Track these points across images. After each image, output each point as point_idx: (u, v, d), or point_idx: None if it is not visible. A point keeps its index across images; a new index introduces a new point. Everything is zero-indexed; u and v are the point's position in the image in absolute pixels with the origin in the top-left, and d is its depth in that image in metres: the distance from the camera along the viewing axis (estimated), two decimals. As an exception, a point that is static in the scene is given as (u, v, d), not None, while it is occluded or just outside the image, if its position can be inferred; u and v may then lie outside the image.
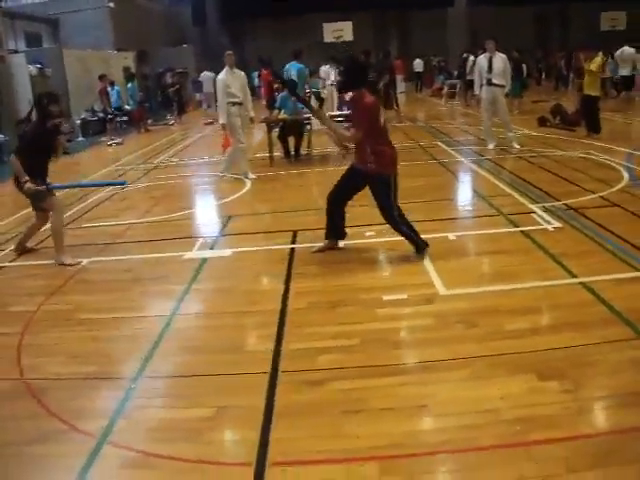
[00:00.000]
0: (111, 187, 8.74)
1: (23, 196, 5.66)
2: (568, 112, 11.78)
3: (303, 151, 10.19)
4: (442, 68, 22.57)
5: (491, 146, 9.80)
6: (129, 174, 10.30)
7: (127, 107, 16.78)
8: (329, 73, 15.45)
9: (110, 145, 14.78)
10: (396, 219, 4.83)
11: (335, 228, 5.14)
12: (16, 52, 16.01)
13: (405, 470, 2.45)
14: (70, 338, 3.92)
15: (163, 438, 2.77)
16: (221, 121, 8.66)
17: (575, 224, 5.62)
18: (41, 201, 5.62)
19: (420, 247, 4.86)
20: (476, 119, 14.68)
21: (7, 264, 5.67)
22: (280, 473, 2.46)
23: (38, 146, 5.50)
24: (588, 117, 10.47)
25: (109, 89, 16.02)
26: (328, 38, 26.89)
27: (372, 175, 4.77)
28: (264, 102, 17.44)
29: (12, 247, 6.02)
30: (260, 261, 5.24)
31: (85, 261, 5.53)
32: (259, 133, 12.99)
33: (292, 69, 12.97)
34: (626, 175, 7.46)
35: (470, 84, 17.29)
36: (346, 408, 2.91)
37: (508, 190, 7.09)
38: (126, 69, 19.45)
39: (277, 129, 10.14)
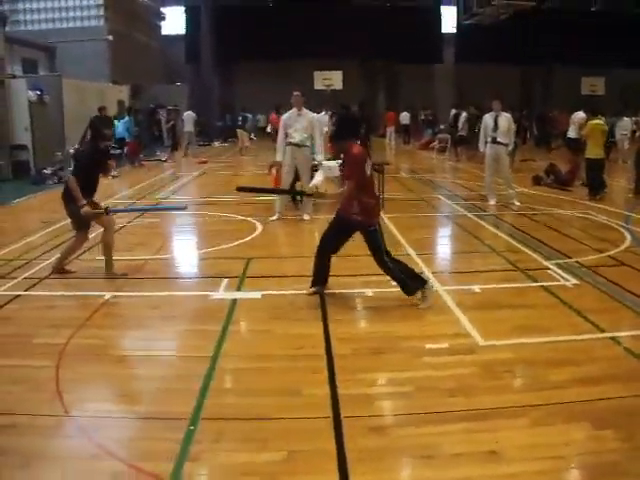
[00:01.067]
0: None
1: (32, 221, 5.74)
2: (562, 172, 12.21)
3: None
4: (430, 122, 23.22)
5: (492, 202, 10.10)
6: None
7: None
8: (324, 121, 15.68)
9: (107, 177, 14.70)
10: (387, 263, 4.94)
11: (320, 276, 5.27)
12: (14, 77, 15.97)
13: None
14: (110, 375, 3.90)
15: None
16: (277, 159, 8.81)
17: (590, 281, 5.83)
18: (94, 219, 5.98)
19: (411, 290, 4.96)
20: (469, 174, 15.17)
21: (22, 293, 5.58)
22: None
23: (92, 166, 5.90)
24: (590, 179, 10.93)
25: (115, 121, 16.12)
26: (318, 85, 27.54)
27: (358, 225, 4.93)
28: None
29: (52, 265, 6.18)
30: (292, 305, 5.25)
31: (108, 295, 5.49)
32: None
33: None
34: (628, 236, 7.75)
35: (461, 140, 18.01)
36: (418, 453, 2.98)
37: (519, 246, 7.31)
38: (120, 102, 19.58)
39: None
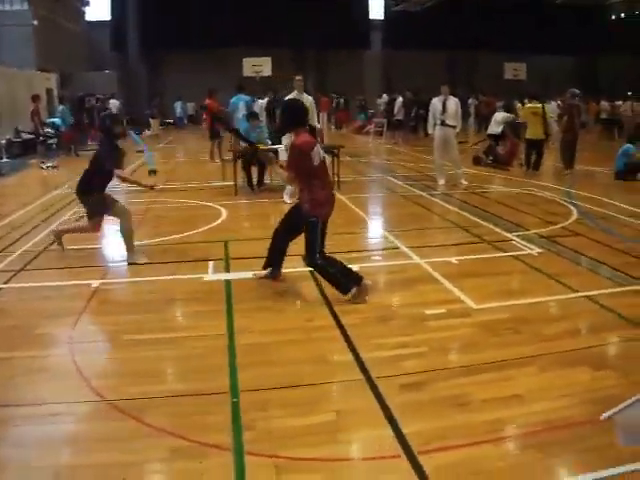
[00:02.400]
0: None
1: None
2: (500, 152, 12.91)
3: (266, 181, 10.47)
4: (363, 107, 23.67)
5: (442, 182, 10.60)
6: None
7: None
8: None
9: (44, 168, 14.24)
10: (318, 264, 4.83)
11: (272, 258, 5.24)
12: None
13: (522, 445, 2.90)
14: (132, 359, 3.92)
15: (301, 443, 2.93)
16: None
17: (553, 249, 6.35)
18: (109, 209, 6.22)
19: (345, 288, 4.76)
20: (410, 156, 15.74)
21: (3, 286, 5.47)
22: (430, 459, 2.76)
23: (109, 163, 6.06)
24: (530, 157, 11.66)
25: (61, 107, 15.63)
26: (247, 72, 27.34)
27: (305, 216, 4.79)
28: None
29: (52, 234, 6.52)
30: (286, 282, 5.43)
31: (95, 283, 5.47)
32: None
33: (239, 102, 13.37)
34: (573, 209, 8.41)
35: (398, 124, 18.58)
36: (453, 402, 3.28)
37: (479, 220, 7.80)
38: (49, 91, 18.88)
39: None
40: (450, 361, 3.83)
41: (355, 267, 5.66)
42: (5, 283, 5.52)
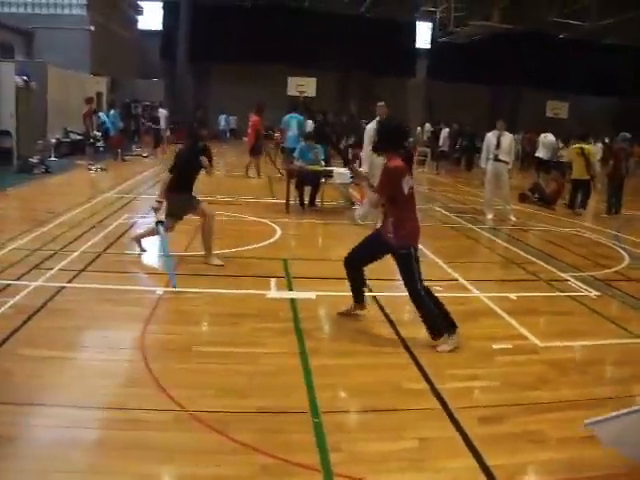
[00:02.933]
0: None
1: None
2: (546, 191, 12.93)
3: (317, 202, 10.62)
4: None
5: (490, 216, 10.64)
6: (135, 204, 10.36)
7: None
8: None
9: (92, 170, 14.57)
10: (421, 295, 4.56)
11: (356, 291, 5.05)
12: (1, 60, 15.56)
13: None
14: (206, 371, 3.94)
15: (388, 468, 3.00)
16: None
17: (609, 293, 6.36)
18: (193, 209, 6.52)
19: (437, 332, 4.52)
20: (453, 187, 15.82)
21: (66, 285, 5.59)
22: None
23: (190, 164, 6.44)
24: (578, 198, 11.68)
25: (101, 113, 15.96)
26: (291, 91, 27.79)
27: (391, 247, 4.60)
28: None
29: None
30: (349, 305, 5.50)
31: (160, 290, 5.58)
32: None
33: (292, 120, 13.63)
34: (624, 253, 8.39)
35: (442, 154, 18.68)
36: (532, 438, 3.34)
37: (532, 258, 7.83)
38: (99, 94, 19.35)
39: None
40: (523, 397, 3.86)
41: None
42: (68, 282, 5.65)
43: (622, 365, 4.57)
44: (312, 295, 5.68)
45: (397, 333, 4.84)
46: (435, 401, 3.71)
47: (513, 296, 6.06)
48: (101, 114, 16.59)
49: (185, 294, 5.62)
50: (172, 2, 28.23)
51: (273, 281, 6.10)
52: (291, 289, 5.89)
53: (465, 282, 6.46)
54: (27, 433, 3.12)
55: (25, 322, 4.53)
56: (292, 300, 5.52)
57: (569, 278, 6.88)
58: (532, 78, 28.13)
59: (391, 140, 4.67)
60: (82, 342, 4.36)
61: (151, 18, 29.45)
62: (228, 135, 28.23)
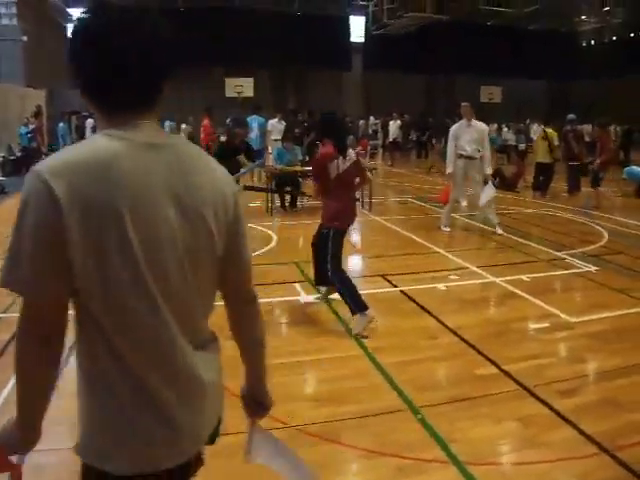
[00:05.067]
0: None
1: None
2: (506, 175, 13.54)
3: (298, 203, 10.75)
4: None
5: (464, 203, 11.02)
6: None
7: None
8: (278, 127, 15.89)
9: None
10: (332, 274, 4.89)
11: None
12: None
13: None
14: (291, 383, 3.96)
15: (507, 450, 3.27)
16: (448, 170, 8.62)
17: (606, 267, 6.85)
18: None
19: (354, 309, 4.79)
20: (413, 178, 16.25)
21: None
22: (630, 454, 3.10)
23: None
24: (541, 181, 12.29)
25: (60, 126, 15.51)
26: (229, 93, 27.59)
27: (321, 228, 5.03)
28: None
29: None
30: (384, 302, 5.70)
31: None
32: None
33: (254, 123, 13.64)
34: (601, 230, 8.99)
35: (394, 146, 19.13)
36: (614, 404, 3.68)
37: (522, 240, 8.29)
38: (38, 107, 18.68)
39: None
40: (585, 368, 4.26)
41: (441, 286, 6.06)
42: None
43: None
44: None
45: (442, 323, 5.07)
46: (511, 382, 3.98)
47: (525, 277, 6.43)
48: (60, 126, 16.04)
49: (217, 306, 5.59)
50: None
51: (297, 285, 6.17)
52: (320, 292, 5.97)
53: (476, 269, 6.79)
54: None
55: None
56: (328, 302, 5.59)
57: (565, 256, 7.34)
58: (465, 65, 29.10)
59: (323, 129, 5.14)
60: None
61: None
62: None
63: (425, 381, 4.07)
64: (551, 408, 3.63)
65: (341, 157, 4.87)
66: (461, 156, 8.42)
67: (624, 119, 21.58)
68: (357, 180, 5.35)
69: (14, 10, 19.56)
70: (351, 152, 5.07)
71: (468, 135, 8.39)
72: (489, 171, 8.54)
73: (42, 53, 21.48)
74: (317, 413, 3.58)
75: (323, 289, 5.59)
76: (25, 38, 19.72)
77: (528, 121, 21.28)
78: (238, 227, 1.49)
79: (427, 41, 28.16)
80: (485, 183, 8.45)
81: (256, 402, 1.84)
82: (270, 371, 4.05)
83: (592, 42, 32.98)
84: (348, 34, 30.58)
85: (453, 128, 8.66)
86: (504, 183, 13.31)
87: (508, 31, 30.16)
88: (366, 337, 4.72)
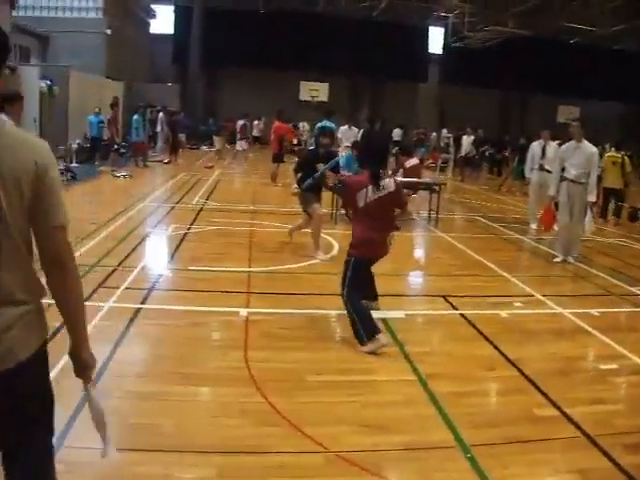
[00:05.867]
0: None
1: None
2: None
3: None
4: (422, 140, 23.66)
5: (534, 226, 10.64)
6: (177, 213, 10.21)
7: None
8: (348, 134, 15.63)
9: (118, 177, 14.47)
10: (344, 299, 4.79)
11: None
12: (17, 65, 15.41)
13: None
14: (337, 403, 3.83)
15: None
16: (551, 193, 8.22)
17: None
18: (307, 206, 7.53)
19: (361, 337, 4.61)
20: (481, 195, 15.81)
21: (141, 306, 5.35)
22: None
23: (311, 166, 7.12)
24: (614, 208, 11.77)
25: (135, 117, 15.99)
26: (304, 96, 27.80)
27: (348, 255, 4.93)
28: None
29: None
30: (443, 325, 5.55)
31: (243, 311, 5.35)
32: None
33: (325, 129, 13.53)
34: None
35: (465, 161, 18.70)
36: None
37: (593, 271, 7.83)
38: (115, 98, 19.22)
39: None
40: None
41: (504, 313, 5.76)
42: (142, 303, 5.41)
43: None
44: (401, 314, 5.60)
45: (501, 353, 4.79)
46: (572, 428, 3.67)
47: (595, 312, 6.03)
48: (135, 119, 16.48)
49: (270, 315, 5.38)
50: (184, 6, 28.11)
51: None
52: (378, 308, 5.77)
53: (541, 297, 6.44)
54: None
55: (114, 350, 4.32)
56: (384, 320, 5.36)
57: (638, 292, 6.85)
58: (541, 83, 28.24)
59: (365, 155, 5.19)
60: (185, 373, 4.06)
61: (163, 22, 29.27)
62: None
63: (479, 417, 3.82)
64: (615, 463, 3.30)
65: (373, 186, 4.69)
66: (565, 179, 7.88)
67: None
68: (397, 211, 5.16)
69: (101, 4, 20.27)
70: (388, 181, 4.85)
71: (576, 158, 7.78)
72: (593, 198, 7.94)
73: (123, 47, 22.22)
74: (360, 440, 3.39)
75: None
76: (109, 31, 20.41)
77: (607, 145, 20.27)
78: (46, 193, 1.75)
79: (506, 56, 27.45)
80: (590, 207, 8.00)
81: (80, 359, 1.98)
82: (316, 388, 3.99)
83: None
84: (426, 45, 30.25)
85: (562, 149, 8.16)
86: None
87: (590, 50, 29.03)
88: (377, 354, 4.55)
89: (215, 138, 20.77)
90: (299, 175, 7.47)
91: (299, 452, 3.21)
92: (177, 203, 11.34)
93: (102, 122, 16.45)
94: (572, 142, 7.89)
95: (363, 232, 4.79)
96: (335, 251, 7.99)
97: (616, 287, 7.10)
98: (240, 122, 19.88)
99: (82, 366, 2.00)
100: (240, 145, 19.73)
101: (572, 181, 7.81)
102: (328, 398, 3.92)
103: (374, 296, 5.40)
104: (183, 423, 3.45)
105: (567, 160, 7.85)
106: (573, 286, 7.15)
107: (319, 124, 13.81)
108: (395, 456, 3.28)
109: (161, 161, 18.58)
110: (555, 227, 8.55)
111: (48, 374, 2.06)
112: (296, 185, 7.80)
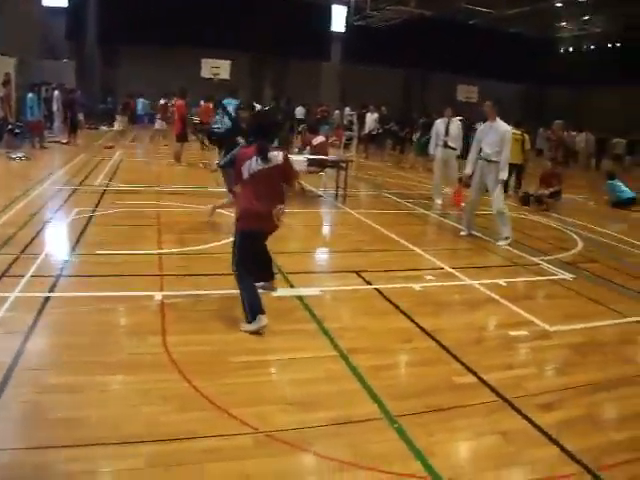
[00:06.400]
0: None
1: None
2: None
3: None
4: (324, 117, 23.72)
5: (439, 201, 11.00)
6: (80, 196, 9.69)
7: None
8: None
9: (14, 159, 13.56)
10: (234, 274, 4.80)
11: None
12: None
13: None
14: (261, 383, 3.81)
15: (490, 466, 3.08)
16: (467, 172, 8.31)
17: (581, 275, 6.82)
18: (230, 184, 6.97)
19: (245, 316, 4.64)
20: (385, 172, 16.13)
21: (50, 294, 5.08)
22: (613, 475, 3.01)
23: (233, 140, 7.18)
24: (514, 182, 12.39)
25: (29, 96, 14.95)
26: (205, 74, 27.14)
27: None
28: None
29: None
30: (358, 300, 5.55)
31: (158, 295, 5.19)
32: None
33: (229, 105, 13.28)
34: (575, 236, 8.98)
35: (370, 138, 18.96)
36: (597, 420, 3.63)
37: (497, 243, 8.15)
38: (7, 75, 17.92)
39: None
40: (566, 381, 4.11)
41: (417, 286, 5.91)
42: (50, 292, 5.14)
43: (629, 344, 4.97)
44: (316, 291, 5.62)
45: (418, 325, 4.92)
46: (491, 393, 3.84)
47: (502, 282, 6.32)
48: (30, 97, 15.42)
49: (188, 297, 5.23)
50: (78, -22, 26.50)
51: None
52: (292, 286, 5.77)
53: (451, 270, 6.66)
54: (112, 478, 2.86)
55: (24, 342, 4.08)
56: (300, 298, 5.40)
57: (540, 262, 7.27)
58: (442, 62, 29.11)
59: (254, 129, 5.16)
60: (103, 362, 3.90)
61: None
62: (146, 121, 26.92)
63: (401, 388, 3.91)
64: (532, 423, 3.50)
65: (258, 158, 4.71)
66: (480, 158, 8.04)
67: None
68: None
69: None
70: (276, 154, 4.84)
71: (490, 137, 7.89)
72: (504, 176, 7.99)
73: (13, 20, 20.67)
74: (289, 418, 3.39)
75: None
76: (-7, 2, 18.89)
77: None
78: None
79: (407, 36, 28.02)
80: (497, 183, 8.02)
81: None
82: (239, 369, 3.92)
83: (570, 49, 33.30)
84: (329, 23, 30.26)
85: (478, 129, 8.31)
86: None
87: (489, 32, 30.23)
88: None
89: (118, 117, 19.81)
90: (222, 152, 7.39)
91: (228, 435, 3.18)
92: (79, 185, 10.74)
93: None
94: (487, 122, 8.02)
95: (248, 203, 4.77)
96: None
97: (520, 258, 7.47)
98: (162, 101, 19.16)
99: None
100: (159, 125, 19.02)
101: (485, 159, 7.98)
102: (252, 378, 3.86)
103: (271, 275, 5.38)
104: (105, 414, 3.31)
105: (483, 139, 7.99)
106: (481, 258, 7.44)
107: (224, 102, 13.53)
108: (324, 432, 3.28)
109: (59, 141, 17.55)
110: (462, 204, 8.82)
111: None
112: (216, 162, 7.72)
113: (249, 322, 4.59)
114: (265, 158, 4.75)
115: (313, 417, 3.42)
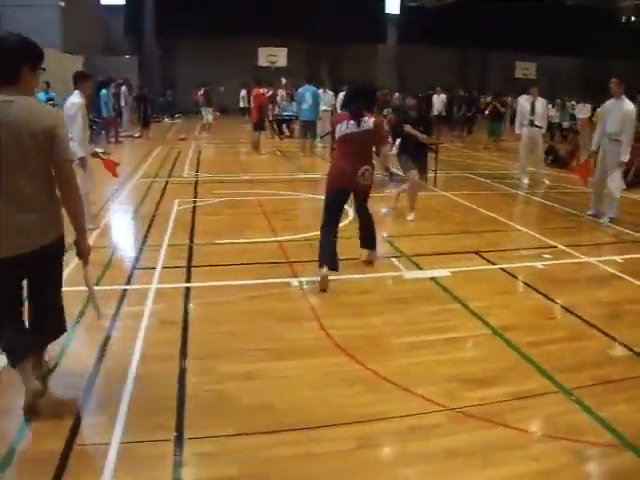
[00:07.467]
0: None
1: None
2: (559, 153, 13.40)
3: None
4: (387, 101, 23.59)
5: (526, 181, 10.98)
6: (174, 188, 10.03)
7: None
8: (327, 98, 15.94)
9: (99, 154, 14.02)
10: (321, 228, 5.42)
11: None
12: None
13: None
14: (430, 362, 3.94)
15: None
16: (593, 149, 8.13)
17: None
18: (405, 171, 7.91)
19: (320, 262, 5.20)
20: (460, 152, 16.03)
21: (189, 285, 5.28)
22: None
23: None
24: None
25: (103, 92, 15.46)
26: (262, 62, 27.37)
27: None
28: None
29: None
30: (488, 281, 5.68)
31: (294, 281, 5.32)
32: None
33: (306, 93, 13.54)
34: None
35: (438, 120, 18.83)
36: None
37: (599, 220, 8.17)
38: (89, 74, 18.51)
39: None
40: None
41: (539, 264, 6.02)
42: (186, 282, 5.33)
43: None
44: (446, 272, 5.73)
45: (554, 301, 5.11)
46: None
47: (618, 259, 6.38)
48: (103, 93, 15.93)
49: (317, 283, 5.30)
50: (135, -25, 26.98)
51: (394, 260, 6.12)
52: (420, 268, 5.91)
53: (564, 248, 6.71)
54: (326, 460, 2.94)
55: (184, 332, 4.25)
56: (433, 279, 5.54)
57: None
58: (499, 40, 28.61)
59: (353, 98, 5.48)
60: (268, 349, 4.04)
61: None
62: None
63: (563, 362, 4.01)
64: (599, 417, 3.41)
65: (352, 121, 5.16)
66: (604, 136, 7.81)
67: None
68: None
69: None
70: (367, 119, 5.23)
71: (614, 114, 7.62)
72: (625, 158, 7.57)
73: (77, 19, 21.30)
74: (472, 395, 3.50)
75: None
76: (62, 3, 19.51)
77: (566, 99, 20.86)
78: (54, 142, 2.92)
79: (462, 15, 27.64)
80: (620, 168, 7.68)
81: (79, 245, 3.21)
82: (404, 350, 4.10)
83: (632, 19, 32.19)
84: (383, 5, 30.05)
85: (604, 106, 8.03)
86: (556, 160, 13.17)
87: (544, 6, 29.50)
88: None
89: (203, 110, 19.99)
90: (398, 141, 7.88)
91: (420, 414, 3.30)
92: (169, 177, 11.11)
93: (52, 99, 15.74)
94: (612, 99, 7.80)
95: (336, 161, 5.39)
96: (351, 213, 7.89)
97: (626, 234, 7.47)
98: (242, 93, 20.42)
99: (81, 250, 3.22)
100: (211, 116, 19.38)
101: (608, 138, 7.76)
102: (421, 358, 4.01)
103: (368, 245, 5.82)
104: (294, 399, 3.43)
105: (606, 117, 7.79)
106: (586, 236, 7.50)
107: (300, 89, 13.81)
108: (509, 406, 3.40)
109: (131, 136, 18.09)
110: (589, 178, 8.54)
111: (62, 256, 3.27)
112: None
113: (321, 267, 5.16)
114: (357, 122, 5.22)
115: (494, 392, 3.56)
